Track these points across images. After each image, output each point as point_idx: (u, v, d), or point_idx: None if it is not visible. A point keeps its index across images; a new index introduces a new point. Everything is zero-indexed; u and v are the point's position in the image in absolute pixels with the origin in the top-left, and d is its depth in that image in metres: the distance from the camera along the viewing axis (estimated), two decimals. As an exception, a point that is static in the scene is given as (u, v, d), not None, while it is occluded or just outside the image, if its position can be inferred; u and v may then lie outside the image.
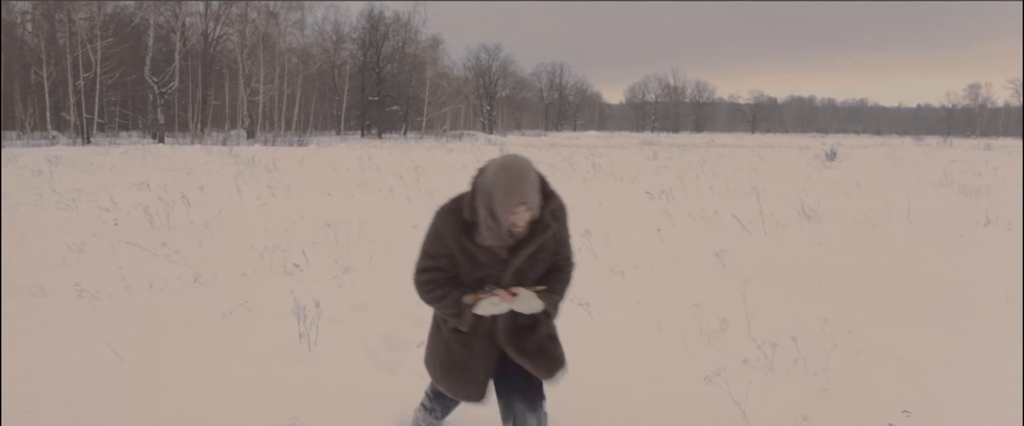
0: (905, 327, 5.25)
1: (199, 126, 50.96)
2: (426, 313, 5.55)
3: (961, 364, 4.48)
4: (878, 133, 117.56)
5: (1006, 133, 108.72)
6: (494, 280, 2.75)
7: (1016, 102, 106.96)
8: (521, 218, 2.60)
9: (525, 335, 2.86)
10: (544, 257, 2.78)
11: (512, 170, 2.57)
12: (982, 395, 3.99)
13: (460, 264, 2.74)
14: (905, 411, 3.64)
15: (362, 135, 68.12)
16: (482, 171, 2.64)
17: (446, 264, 2.76)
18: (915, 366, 4.43)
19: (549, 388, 2.99)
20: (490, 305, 2.73)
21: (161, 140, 44.44)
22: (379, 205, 12.24)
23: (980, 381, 4.20)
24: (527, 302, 2.75)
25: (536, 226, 2.68)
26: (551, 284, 2.82)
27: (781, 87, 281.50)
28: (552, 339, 2.95)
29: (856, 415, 3.73)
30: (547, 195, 2.71)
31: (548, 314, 2.88)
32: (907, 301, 5.97)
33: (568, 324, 3.48)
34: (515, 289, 2.73)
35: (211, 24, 54.48)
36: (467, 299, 2.73)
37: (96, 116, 44.75)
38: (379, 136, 66.02)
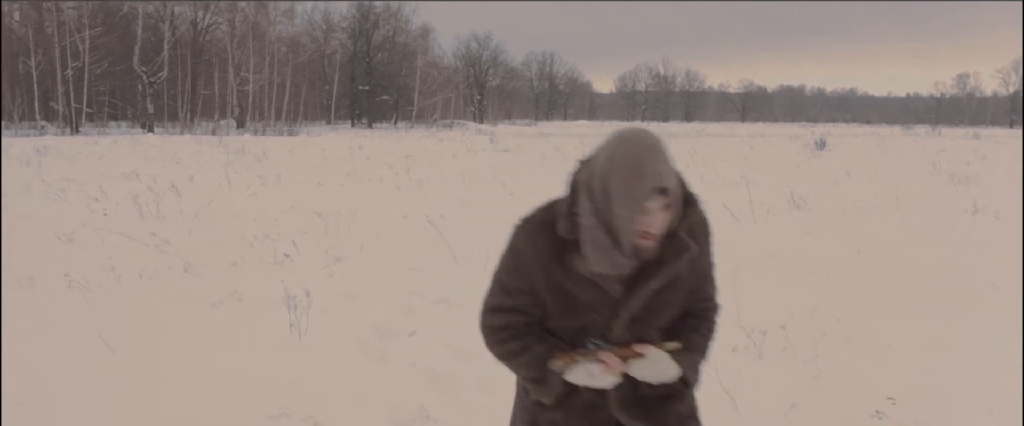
0: (893, 316, 5.29)
1: (189, 116, 50.69)
2: (418, 303, 5.61)
3: (949, 353, 4.52)
4: (867, 122, 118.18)
5: (994, 122, 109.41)
6: (600, 331, 1.78)
7: (1003, 91, 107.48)
8: (655, 221, 1.64)
9: (652, 408, 1.88)
10: (676, 297, 1.83)
11: (637, 143, 1.62)
12: (969, 383, 4.03)
13: (548, 306, 1.80)
14: (891, 399, 3.68)
15: (352, 124, 67.94)
16: (586, 162, 1.73)
17: (527, 304, 1.81)
18: (903, 354, 4.47)
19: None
20: (587, 374, 1.75)
21: (150, 130, 44.16)
22: (369, 195, 12.22)
23: (968, 369, 4.24)
24: (655, 367, 1.80)
25: (669, 245, 1.72)
26: (688, 337, 1.88)
27: (771, 76, 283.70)
28: (693, 419, 1.97)
29: (844, 403, 3.76)
30: (686, 200, 1.75)
31: (686, 383, 1.91)
32: (896, 290, 6.01)
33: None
34: (639, 347, 1.77)
35: (200, 13, 54.18)
36: (556, 364, 1.77)
37: (85, 106, 44.53)
38: (369, 125, 65.84)
